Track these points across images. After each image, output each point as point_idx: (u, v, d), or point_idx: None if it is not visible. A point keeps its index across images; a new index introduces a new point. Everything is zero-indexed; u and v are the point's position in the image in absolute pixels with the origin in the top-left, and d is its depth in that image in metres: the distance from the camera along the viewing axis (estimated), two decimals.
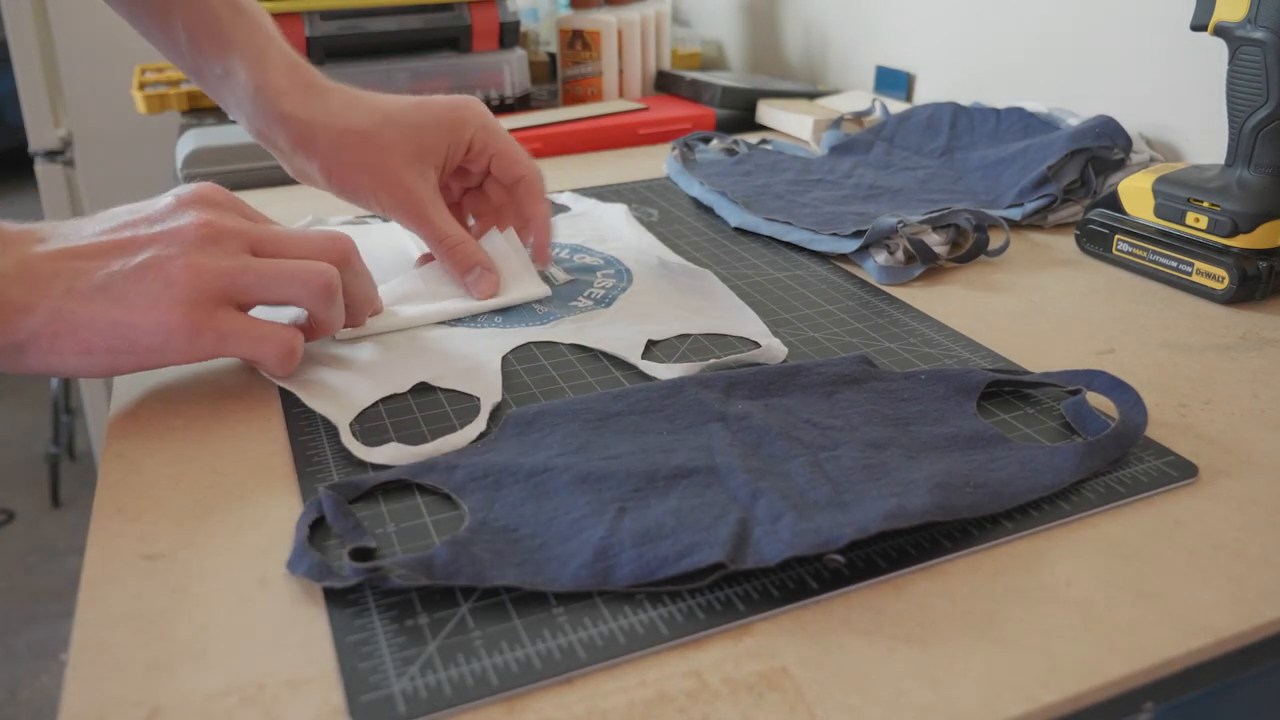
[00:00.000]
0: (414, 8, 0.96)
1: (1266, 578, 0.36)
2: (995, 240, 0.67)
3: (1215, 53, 0.71)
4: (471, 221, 0.66)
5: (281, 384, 0.49)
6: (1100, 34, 0.82)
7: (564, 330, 0.56)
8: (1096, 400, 0.47)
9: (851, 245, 0.65)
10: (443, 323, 0.57)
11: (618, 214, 0.73)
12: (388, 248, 0.66)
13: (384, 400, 0.48)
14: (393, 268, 0.62)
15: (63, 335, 0.44)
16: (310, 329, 0.51)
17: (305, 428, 0.46)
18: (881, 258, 0.64)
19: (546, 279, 0.62)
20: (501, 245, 0.61)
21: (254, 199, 0.65)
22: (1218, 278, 0.58)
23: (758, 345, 0.53)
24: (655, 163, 0.91)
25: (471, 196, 0.65)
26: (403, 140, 0.58)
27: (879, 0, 1.04)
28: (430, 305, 0.57)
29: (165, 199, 0.48)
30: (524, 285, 0.60)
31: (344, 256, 0.50)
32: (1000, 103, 0.89)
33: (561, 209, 0.77)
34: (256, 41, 0.58)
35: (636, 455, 0.42)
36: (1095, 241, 0.66)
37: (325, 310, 0.49)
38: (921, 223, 0.65)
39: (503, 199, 0.63)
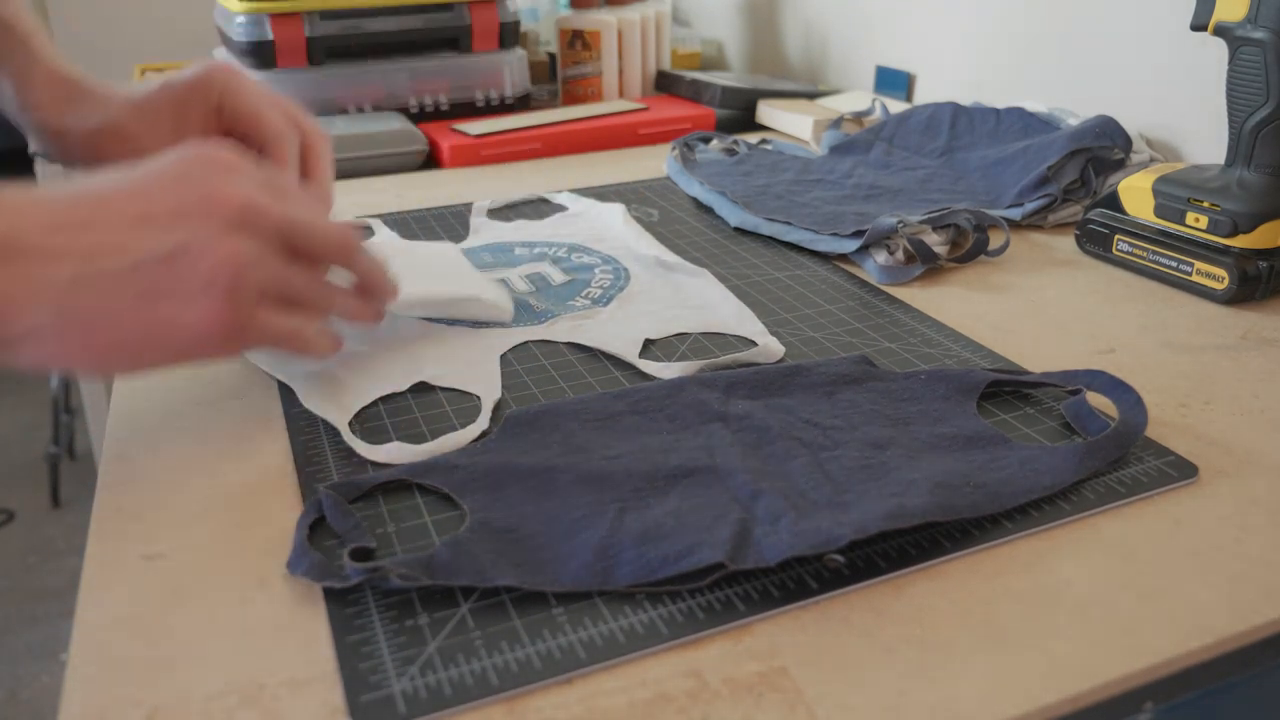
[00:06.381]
0: (414, 8, 0.96)
1: (1266, 578, 0.36)
2: (995, 240, 0.67)
3: (1215, 53, 0.71)
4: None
5: (282, 380, 0.49)
6: (1100, 34, 0.82)
7: (561, 329, 0.56)
8: (1096, 400, 0.47)
9: (851, 245, 0.65)
10: (440, 322, 0.57)
11: (615, 213, 0.73)
12: (439, 263, 0.63)
13: (384, 400, 0.48)
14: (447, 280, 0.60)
15: (72, 334, 0.37)
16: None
17: (305, 428, 0.46)
18: (881, 258, 0.64)
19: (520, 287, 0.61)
20: (455, 256, 0.61)
21: None
22: (1218, 278, 0.58)
23: (755, 344, 0.54)
24: (655, 163, 0.91)
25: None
26: (152, 126, 0.56)
27: (879, 0, 1.04)
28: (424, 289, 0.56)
29: (172, 159, 0.42)
30: (487, 293, 0.57)
31: (351, 252, 0.47)
32: (1000, 103, 0.89)
33: (559, 209, 0.77)
34: (17, 59, 0.57)
35: (637, 455, 0.42)
36: (1095, 241, 0.66)
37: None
38: (921, 223, 0.65)
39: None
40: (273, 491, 0.42)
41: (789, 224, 0.69)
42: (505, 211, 0.77)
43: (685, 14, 1.40)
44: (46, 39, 0.59)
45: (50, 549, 1.93)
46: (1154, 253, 0.62)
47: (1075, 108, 0.85)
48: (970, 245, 0.65)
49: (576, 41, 1.07)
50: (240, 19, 0.91)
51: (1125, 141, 0.73)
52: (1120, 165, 0.73)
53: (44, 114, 0.57)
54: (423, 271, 0.58)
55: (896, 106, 0.97)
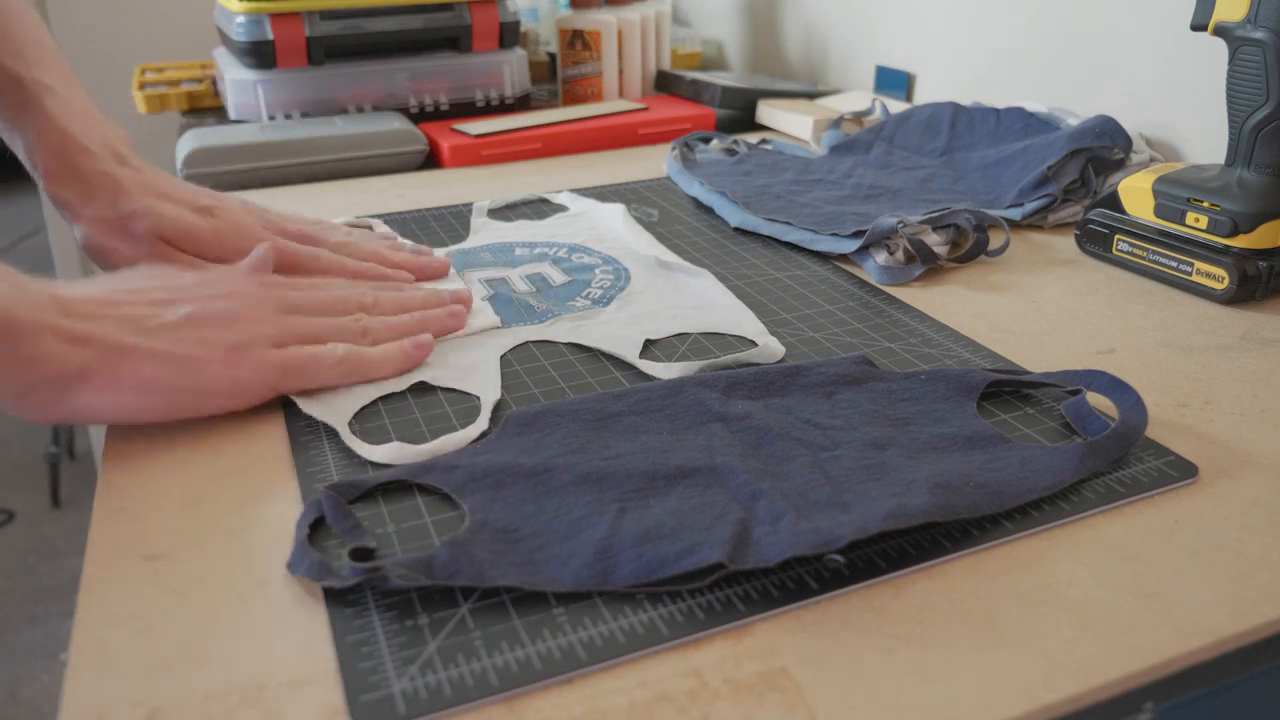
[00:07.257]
0: (414, 8, 0.96)
1: (1266, 578, 0.36)
2: (995, 240, 0.67)
3: (1215, 53, 0.71)
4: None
5: None
6: (1100, 34, 0.82)
7: (561, 329, 0.56)
8: (1096, 400, 0.47)
9: (851, 245, 0.65)
10: None
11: (616, 214, 0.73)
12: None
13: (384, 400, 0.48)
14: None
15: (123, 371, 0.43)
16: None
17: (305, 428, 0.46)
18: (881, 258, 0.64)
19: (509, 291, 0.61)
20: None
21: (254, 199, 0.65)
22: (1218, 278, 0.58)
23: (755, 344, 0.54)
24: (655, 163, 0.91)
25: None
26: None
27: (879, 0, 1.05)
28: None
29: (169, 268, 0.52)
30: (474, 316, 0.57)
31: (362, 307, 0.54)
32: (1000, 103, 0.89)
33: (559, 209, 0.77)
34: (28, 117, 0.57)
35: (637, 455, 0.42)
36: (1095, 241, 0.66)
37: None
38: (921, 223, 0.65)
39: None
40: (273, 492, 0.42)
41: (789, 224, 0.69)
42: (505, 211, 0.77)
43: (685, 14, 1.40)
44: (60, 97, 0.59)
45: (50, 549, 1.93)
46: (1154, 253, 0.62)
47: (1075, 108, 0.85)
48: (970, 245, 0.65)
49: (576, 41, 1.08)
50: (240, 19, 0.91)
51: (1125, 141, 0.73)
52: (1120, 165, 0.73)
53: (54, 185, 0.57)
54: None
55: (896, 106, 0.97)
